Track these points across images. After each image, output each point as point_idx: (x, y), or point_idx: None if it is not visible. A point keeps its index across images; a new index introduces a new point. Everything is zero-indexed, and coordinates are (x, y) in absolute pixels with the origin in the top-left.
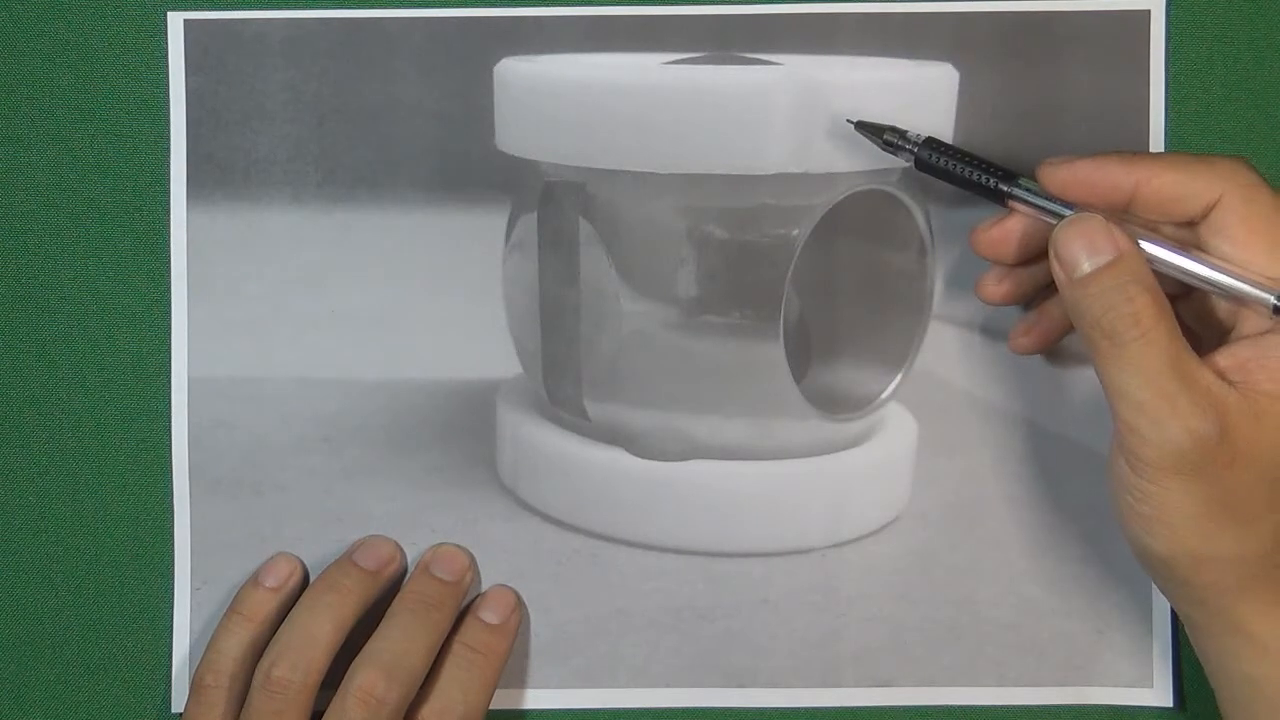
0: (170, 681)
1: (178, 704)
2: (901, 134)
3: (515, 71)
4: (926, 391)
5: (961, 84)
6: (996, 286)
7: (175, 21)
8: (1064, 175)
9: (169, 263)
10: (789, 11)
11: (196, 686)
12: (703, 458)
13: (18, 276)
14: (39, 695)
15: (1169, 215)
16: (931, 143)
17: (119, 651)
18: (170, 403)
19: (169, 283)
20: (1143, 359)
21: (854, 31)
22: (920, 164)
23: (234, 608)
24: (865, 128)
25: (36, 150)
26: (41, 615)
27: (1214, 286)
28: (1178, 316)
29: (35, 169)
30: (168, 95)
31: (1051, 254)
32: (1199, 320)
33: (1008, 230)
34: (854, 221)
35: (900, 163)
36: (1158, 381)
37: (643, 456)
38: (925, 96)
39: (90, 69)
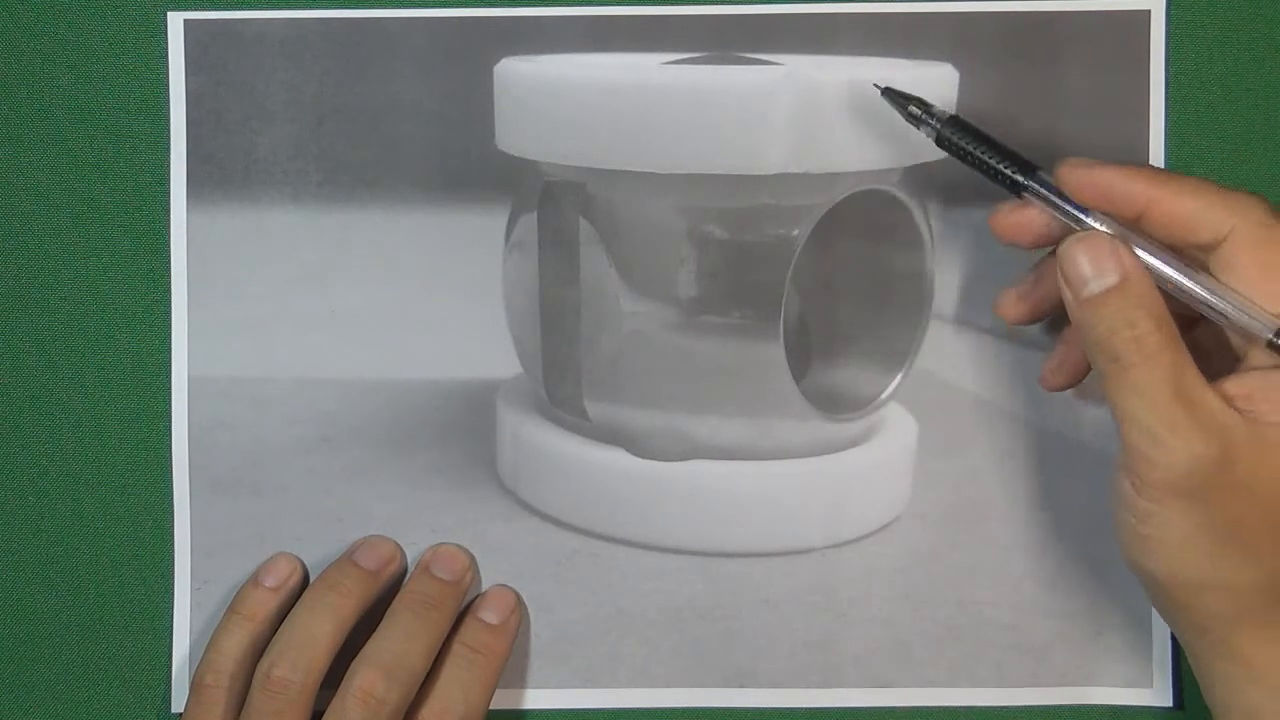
0: (170, 681)
1: (178, 704)
2: (927, 107)
3: (515, 71)
4: (926, 391)
5: (961, 84)
6: (1015, 306)
7: (175, 21)
8: (1082, 178)
9: (169, 263)
10: (789, 11)
11: (196, 686)
12: (703, 458)
13: (18, 276)
14: (39, 695)
15: (1178, 239)
16: (955, 121)
17: (119, 651)
18: (170, 403)
19: (169, 283)
20: (1146, 382)
21: (854, 31)
22: (941, 141)
23: (234, 608)
24: (891, 94)
25: (36, 150)
26: (41, 615)
27: (1216, 313)
28: (1194, 339)
29: (35, 169)
30: (168, 95)
31: (1058, 271)
32: (1215, 345)
33: (1028, 218)
34: (854, 221)
35: (900, 163)
36: (1161, 404)
37: (643, 456)
38: (925, 96)
39: (90, 69)
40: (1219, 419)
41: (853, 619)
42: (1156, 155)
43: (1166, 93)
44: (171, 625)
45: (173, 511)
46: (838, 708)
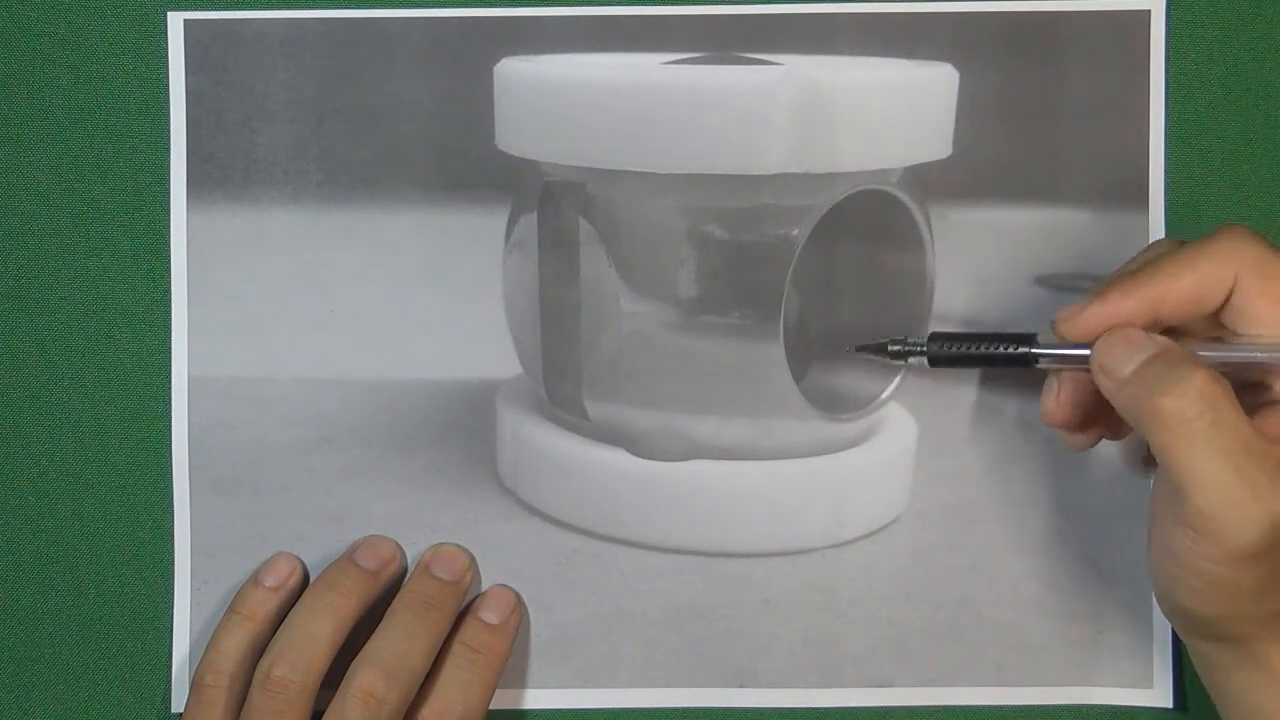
0: (170, 681)
1: (178, 704)
2: (903, 340)
3: (515, 71)
4: (926, 391)
5: (961, 84)
6: (1080, 442)
7: (175, 21)
8: (1082, 326)
9: (169, 263)
10: (789, 11)
11: (196, 686)
12: (703, 458)
13: (18, 276)
14: (39, 695)
15: (1192, 317)
16: (937, 336)
17: (119, 651)
18: (170, 403)
19: (169, 283)
20: (1217, 437)
21: (854, 31)
22: (934, 360)
23: (234, 607)
24: (867, 348)
25: (36, 150)
26: (41, 615)
27: (1262, 365)
28: None
29: (35, 169)
30: (168, 95)
31: (1094, 368)
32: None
33: (1068, 397)
34: (854, 221)
35: (900, 163)
36: (1234, 460)
37: (643, 457)
38: (925, 96)
39: (90, 69)
40: None
41: (853, 619)
42: (1156, 155)
43: (1166, 93)
44: (171, 625)
45: (173, 511)
46: (838, 708)
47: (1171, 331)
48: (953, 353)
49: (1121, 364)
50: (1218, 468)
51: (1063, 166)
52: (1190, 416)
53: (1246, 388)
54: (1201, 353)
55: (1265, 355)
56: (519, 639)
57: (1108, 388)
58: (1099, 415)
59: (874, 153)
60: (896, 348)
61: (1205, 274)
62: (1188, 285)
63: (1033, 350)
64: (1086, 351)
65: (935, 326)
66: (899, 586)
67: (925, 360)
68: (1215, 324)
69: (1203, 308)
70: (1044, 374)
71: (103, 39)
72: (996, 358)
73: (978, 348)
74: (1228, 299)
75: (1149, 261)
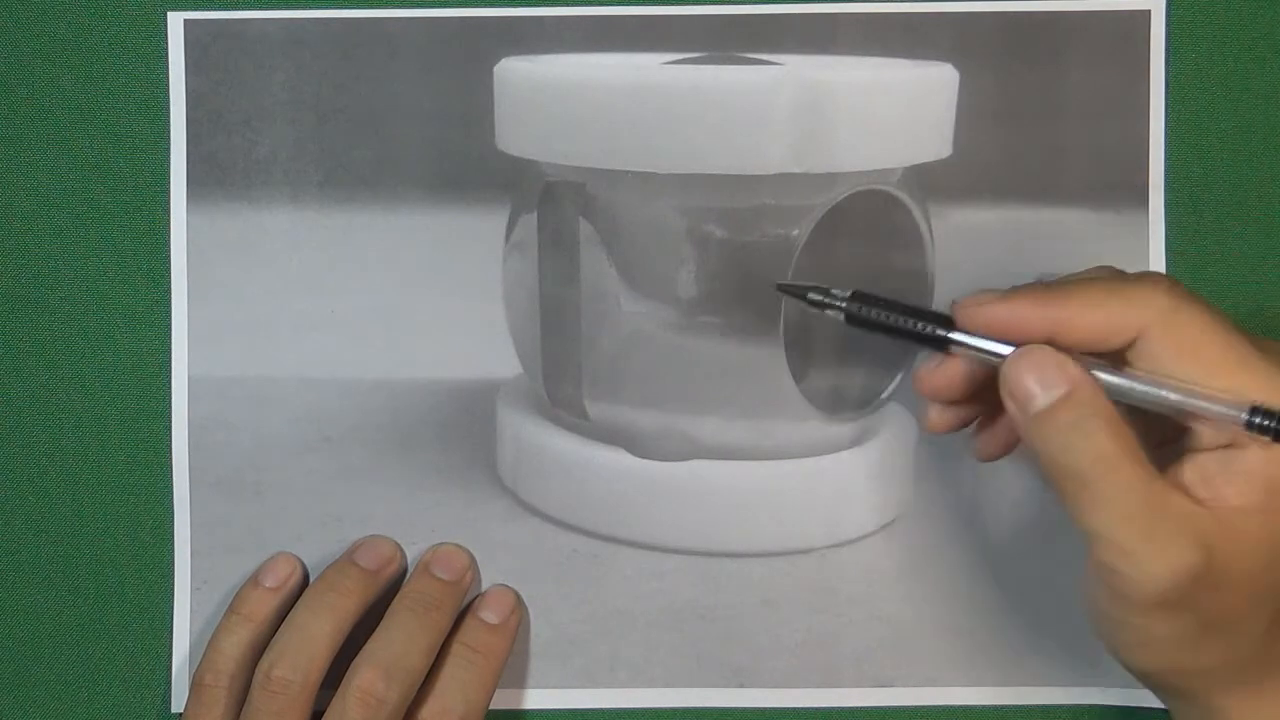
0: (170, 681)
1: (178, 704)
2: (825, 290)
3: (515, 71)
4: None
5: (961, 84)
6: (941, 418)
7: (175, 21)
8: (980, 318)
9: (169, 263)
10: (789, 11)
11: (196, 686)
12: (703, 458)
13: (18, 276)
14: (39, 695)
15: (1092, 350)
16: (859, 295)
17: (119, 651)
18: (170, 403)
19: (169, 283)
20: (1113, 497)
21: (854, 31)
22: (851, 319)
23: (234, 608)
24: (787, 288)
25: (36, 150)
26: (41, 615)
27: (1173, 409)
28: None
29: (35, 169)
30: (168, 95)
31: (1003, 390)
32: (1143, 432)
33: (952, 372)
34: (854, 221)
35: (900, 163)
36: (1133, 519)
37: (643, 457)
38: (925, 96)
39: (90, 69)
40: (1193, 523)
41: (853, 619)
42: (1156, 155)
43: (1166, 93)
44: (171, 625)
45: (173, 511)
46: (837, 708)
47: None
48: (870, 316)
49: (1030, 396)
50: (1116, 528)
51: (1063, 166)
52: (1091, 479)
53: (1154, 426)
54: (1111, 379)
55: (1178, 398)
56: (519, 639)
57: (1014, 415)
58: (974, 401)
59: (874, 153)
60: (818, 296)
61: (1111, 316)
62: (1094, 320)
63: (949, 335)
64: (1003, 352)
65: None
66: (899, 586)
67: (842, 315)
68: (1121, 361)
69: (1104, 346)
70: None
71: (103, 39)
72: (912, 333)
73: (896, 319)
74: (1134, 344)
75: (1071, 282)
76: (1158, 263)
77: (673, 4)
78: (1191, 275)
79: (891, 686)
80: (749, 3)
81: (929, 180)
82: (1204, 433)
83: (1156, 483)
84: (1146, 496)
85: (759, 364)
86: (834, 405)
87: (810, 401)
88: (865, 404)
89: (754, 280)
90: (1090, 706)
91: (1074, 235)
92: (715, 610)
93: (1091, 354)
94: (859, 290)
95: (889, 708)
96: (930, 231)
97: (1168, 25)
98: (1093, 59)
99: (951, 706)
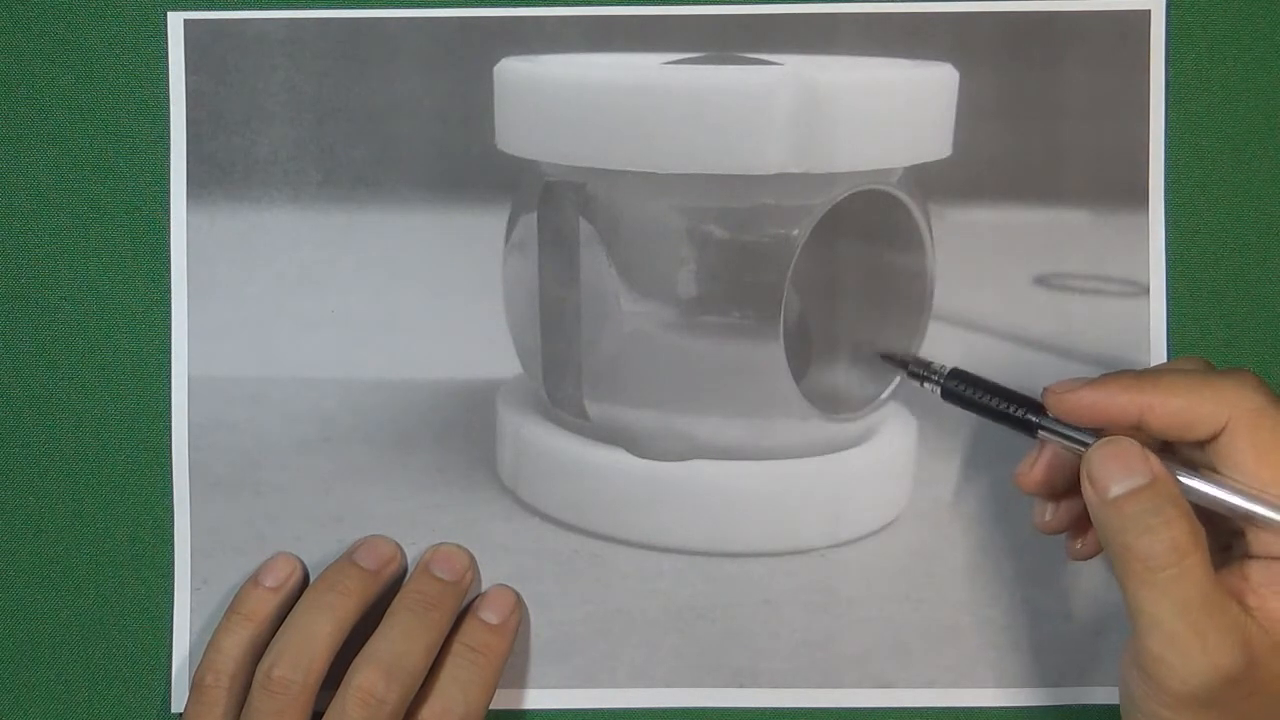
0: (170, 681)
1: (178, 704)
2: (926, 364)
3: (515, 71)
4: (926, 391)
5: (961, 84)
6: (1054, 517)
7: (175, 21)
8: (1070, 403)
9: (169, 263)
10: (789, 11)
11: (196, 686)
12: (703, 458)
13: (18, 276)
14: (39, 695)
15: (1175, 438)
16: (957, 374)
17: (119, 651)
18: (170, 403)
19: (169, 283)
20: (1178, 589)
21: (854, 31)
22: (946, 394)
23: (234, 608)
24: (890, 359)
25: (36, 150)
26: (41, 615)
27: (1246, 514)
28: None
29: (35, 169)
30: (168, 95)
31: (1083, 475)
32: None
33: (1049, 467)
34: (854, 221)
35: (900, 163)
36: (1190, 613)
37: (643, 456)
38: (925, 96)
39: (90, 69)
40: (1240, 627)
41: (853, 619)
42: (1156, 155)
43: (1166, 93)
44: (171, 625)
45: (173, 511)
46: (837, 708)
47: (1168, 447)
48: (965, 394)
49: (1110, 483)
50: (1172, 617)
51: (1063, 166)
52: (1157, 566)
53: (1221, 531)
54: (1188, 481)
55: (1250, 505)
56: (519, 639)
57: (1090, 499)
58: (1071, 492)
59: (874, 153)
60: (918, 370)
61: (1199, 405)
62: (1179, 408)
63: (1038, 421)
64: (1083, 437)
65: (935, 327)
66: (899, 586)
67: (938, 390)
68: (1202, 454)
69: (1189, 435)
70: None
71: (103, 39)
72: (1003, 415)
73: (990, 400)
74: (1216, 437)
75: (1161, 370)
76: (1157, 263)
77: (673, 4)
78: (1191, 275)
79: (891, 686)
80: (749, 3)
81: (929, 180)
82: (1261, 539)
83: (1216, 585)
84: (1207, 593)
85: (759, 364)
86: (834, 405)
87: (810, 401)
88: (865, 404)
89: (754, 280)
90: (1090, 706)
91: (1074, 235)
92: (715, 610)
93: (1171, 443)
94: (957, 369)
95: (889, 708)
96: (930, 231)
97: (1168, 25)
98: (1092, 59)
99: (951, 707)
